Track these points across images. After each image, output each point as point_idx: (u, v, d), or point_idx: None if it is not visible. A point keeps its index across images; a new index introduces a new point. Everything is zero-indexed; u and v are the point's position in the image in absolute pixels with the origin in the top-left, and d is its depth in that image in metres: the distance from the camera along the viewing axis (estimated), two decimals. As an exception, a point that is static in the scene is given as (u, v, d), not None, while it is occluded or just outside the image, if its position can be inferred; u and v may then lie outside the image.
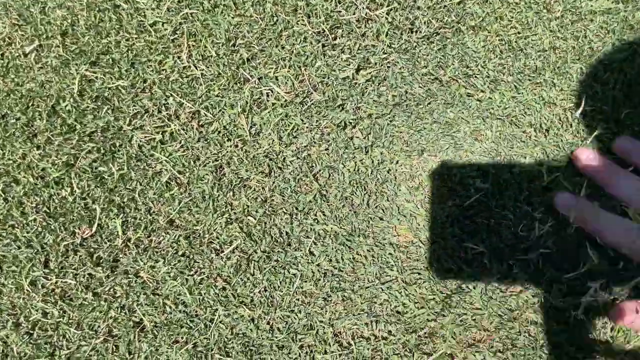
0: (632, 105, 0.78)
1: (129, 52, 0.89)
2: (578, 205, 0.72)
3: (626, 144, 0.73)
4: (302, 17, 0.86)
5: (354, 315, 0.78)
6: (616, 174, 0.71)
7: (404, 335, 0.76)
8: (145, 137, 0.85)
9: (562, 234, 0.76)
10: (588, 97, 0.79)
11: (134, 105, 0.87)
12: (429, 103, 0.83)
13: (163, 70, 0.88)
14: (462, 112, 0.82)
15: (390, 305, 0.78)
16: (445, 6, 0.84)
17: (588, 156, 0.73)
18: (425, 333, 0.76)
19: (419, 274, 0.78)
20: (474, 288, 0.76)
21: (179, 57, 0.87)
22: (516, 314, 0.75)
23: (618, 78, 0.79)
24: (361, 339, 0.78)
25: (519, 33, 0.83)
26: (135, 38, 0.90)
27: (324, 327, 0.78)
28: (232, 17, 0.87)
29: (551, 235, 0.76)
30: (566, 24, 0.82)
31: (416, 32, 0.84)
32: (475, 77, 0.83)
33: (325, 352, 0.77)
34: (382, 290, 0.78)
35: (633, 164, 0.72)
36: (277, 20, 0.86)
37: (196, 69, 0.86)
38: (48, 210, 0.84)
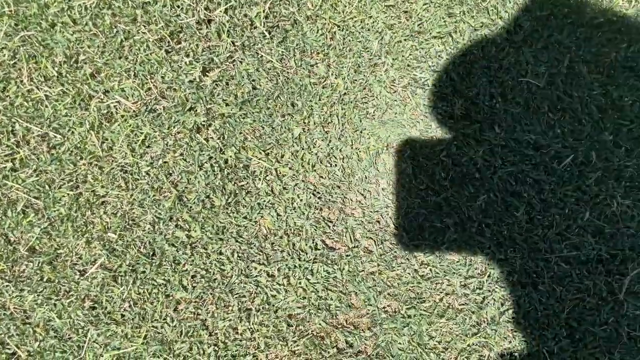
0: (468, 72, 0.82)
1: (-29, 81, 0.86)
2: None
3: None
4: (141, 25, 0.85)
5: (226, 313, 0.79)
6: None
7: (276, 325, 0.78)
8: (-4, 167, 0.83)
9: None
10: (425, 70, 0.82)
11: (-20, 136, 0.84)
12: (278, 96, 0.84)
13: (7, 97, 0.85)
14: (310, 101, 0.83)
15: (260, 297, 0.79)
16: (280, -1, 0.85)
17: None
18: (296, 319, 0.79)
19: (286, 264, 0.80)
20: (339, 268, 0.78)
21: (21, 82, 0.85)
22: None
23: (449, 50, 0.83)
24: (236, 335, 0.79)
25: (354, 17, 0.85)
26: (-25, 66, 0.87)
27: (198, 331, 0.79)
28: (72, 34, 0.85)
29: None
30: (398, 3, 0.84)
31: (256, 27, 0.85)
32: (318, 65, 0.84)
33: (203, 354, 0.78)
34: (251, 284, 0.80)
35: None
36: (116, 31, 0.85)
37: (39, 90, 0.84)
38: None
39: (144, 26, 0.85)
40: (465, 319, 0.79)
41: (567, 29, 0.84)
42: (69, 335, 0.80)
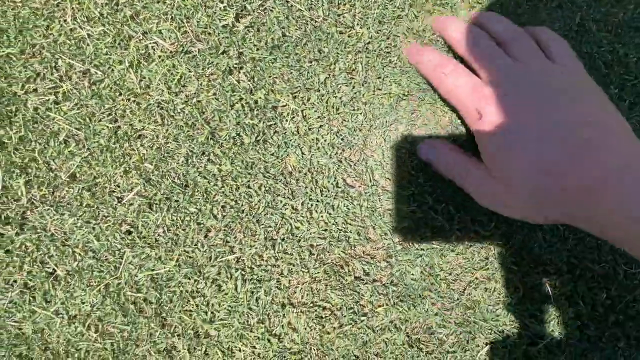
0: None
1: (16, 20, 0.92)
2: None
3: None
4: (179, -29, 0.90)
5: (253, 241, 0.86)
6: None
7: (299, 253, 0.84)
8: (40, 99, 0.89)
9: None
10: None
11: (25, 71, 0.90)
12: (305, 43, 0.89)
13: (50, 34, 0.91)
14: (336, 49, 0.89)
15: (284, 228, 0.86)
16: (308, -50, 0.90)
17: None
18: (317, 249, 0.85)
19: (309, 198, 0.86)
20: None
21: (64, 20, 0.91)
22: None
23: (470, 4, 0.88)
24: (262, 261, 0.86)
25: (380, -29, 0.90)
26: (20, 6, 0.92)
27: (226, 256, 0.85)
28: (113, -23, 0.90)
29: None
30: (420, -41, 0.90)
31: (287, -23, 0.90)
32: (344, 15, 0.90)
33: (231, 277, 0.85)
34: (277, 216, 0.86)
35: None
36: (156, -24, 0.90)
37: (82, 29, 0.90)
38: (-51, 178, 0.87)
39: (182, -27, 0.90)
40: (474, 253, 0.85)
41: (580, -11, 0.89)
42: (105, 256, 0.86)
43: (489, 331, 0.84)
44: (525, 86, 0.67)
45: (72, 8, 0.89)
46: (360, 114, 0.87)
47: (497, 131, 0.66)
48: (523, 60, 0.71)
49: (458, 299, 0.84)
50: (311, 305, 0.85)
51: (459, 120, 0.86)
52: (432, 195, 0.85)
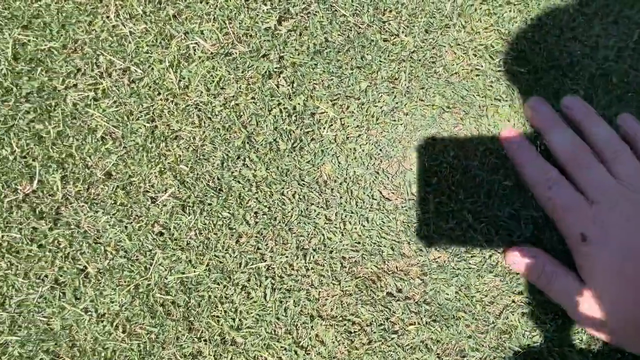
0: (539, 41, 0.84)
1: (59, 14, 0.92)
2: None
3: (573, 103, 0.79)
4: (223, -28, 0.89)
5: (284, 250, 0.84)
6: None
7: (330, 265, 0.82)
8: (79, 95, 0.89)
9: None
10: (497, 39, 0.85)
11: (66, 66, 0.90)
12: (348, 50, 0.87)
13: (93, 30, 0.91)
14: (379, 56, 0.87)
15: (317, 238, 0.84)
16: (357, -45, 0.88)
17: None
18: (349, 261, 0.83)
19: (344, 209, 0.84)
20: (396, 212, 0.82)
21: (107, 17, 0.90)
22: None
23: (522, 17, 0.85)
24: (292, 270, 0.84)
25: (429, -21, 0.87)
26: (64, 1, 0.92)
27: (257, 263, 0.84)
28: (157, -25, 0.90)
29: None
30: (472, -32, 0.87)
31: (333, -18, 0.88)
32: (390, 22, 0.87)
33: (260, 285, 0.84)
34: (310, 225, 0.84)
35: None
36: (200, -24, 0.89)
37: (124, 27, 0.89)
38: (-11, 170, 0.87)
39: (226, -27, 0.89)
40: (513, 277, 0.82)
41: (637, 5, 0.85)
42: (136, 256, 0.86)
43: (524, 358, 0.80)
44: (630, 209, 0.64)
45: (116, 4, 0.89)
46: (401, 124, 0.85)
47: (604, 257, 0.64)
48: (626, 181, 0.68)
49: (493, 323, 0.81)
50: (340, 319, 0.83)
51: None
52: (471, 214, 0.82)
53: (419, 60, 0.86)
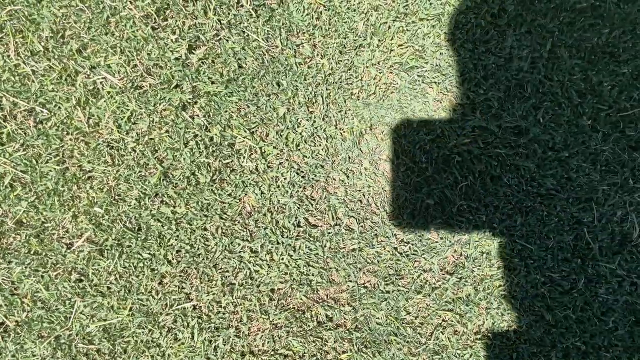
0: (453, 55, 0.83)
1: (-43, 55, 0.86)
2: None
3: None
4: (127, 1, 0.85)
5: (210, 287, 0.82)
6: None
7: (259, 299, 0.80)
8: (-18, 140, 0.84)
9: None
10: (411, 55, 0.83)
11: (-33, 110, 0.85)
12: (263, 75, 0.85)
13: (-7, 70, 0.85)
14: (295, 81, 0.84)
15: (243, 272, 0.81)
16: (263, -23, 0.85)
17: None
18: (278, 294, 0.81)
19: (269, 240, 0.82)
20: (322, 247, 0.81)
21: (7, 56, 0.86)
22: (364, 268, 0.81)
23: (435, 31, 0.84)
24: (219, 308, 0.81)
25: (340, -3, 0.85)
26: (-39, 40, 0.87)
27: (182, 303, 0.81)
28: (58, 9, 0.85)
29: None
30: (382, -16, 0.85)
31: (242, 6, 0.85)
32: (303, 45, 0.85)
33: (187, 326, 0.81)
34: (235, 260, 0.82)
35: None
36: (103, 7, 0.85)
37: (26, 65, 0.85)
38: None
39: (131, 2, 0.85)
40: (442, 295, 0.81)
41: (550, 13, 0.85)
42: (56, 306, 0.82)
43: (458, 376, 0.80)
44: None
45: (15, 42, 0.84)
46: (322, 149, 0.83)
47: None
48: None
49: (425, 344, 0.80)
50: (272, 353, 0.81)
51: (423, 155, 0.82)
52: (396, 236, 0.81)
53: (335, 83, 0.84)
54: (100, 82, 0.85)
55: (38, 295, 0.82)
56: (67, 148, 0.84)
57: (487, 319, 0.79)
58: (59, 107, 0.85)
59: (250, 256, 0.82)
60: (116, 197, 0.83)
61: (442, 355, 0.80)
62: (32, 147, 0.84)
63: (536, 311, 0.80)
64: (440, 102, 0.83)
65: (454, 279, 0.80)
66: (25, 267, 0.82)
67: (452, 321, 0.81)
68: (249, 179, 0.83)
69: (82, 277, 0.82)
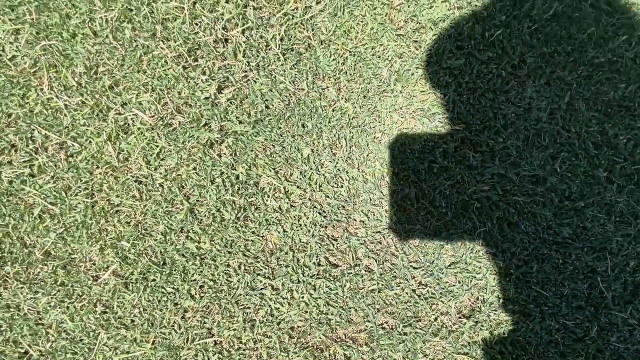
0: (474, 104, 0.86)
1: (-9, 86, 0.89)
2: None
3: None
4: (160, 41, 0.88)
5: (231, 323, 0.84)
6: None
7: (279, 336, 0.82)
8: (14, 172, 0.86)
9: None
10: (433, 102, 0.86)
11: (0, 142, 0.87)
12: (289, 117, 0.87)
13: (26, 103, 0.88)
14: (320, 123, 0.87)
15: (264, 309, 0.83)
16: (296, 22, 0.88)
17: None
18: (298, 332, 0.83)
19: (290, 278, 0.84)
20: (342, 287, 0.83)
21: (41, 90, 0.88)
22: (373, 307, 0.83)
23: (457, 80, 0.86)
24: (240, 344, 0.83)
25: (366, 44, 0.88)
26: (-4, 72, 0.89)
27: (204, 339, 0.83)
28: (92, 45, 0.88)
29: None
30: (408, 33, 0.88)
31: (271, 49, 0.88)
32: (329, 88, 0.88)
33: (207, 360, 0.82)
34: (256, 296, 0.84)
35: None
36: (136, 45, 0.88)
37: (59, 99, 0.87)
38: None
39: (163, 42, 0.88)
40: (458, 338, 0.83)
41: (569, 66, 0.88)
42: (80, 337, 0.84)
43: (472, 419, 0.82)
44: None
45: (49, 76, 0.87)
46: (344, 190, 0.85)
47: None
48: None
49: (441, 386, 0.82)
50: (290, 390, 0.82)
51: (443, 200, 0.84)
52: (415, 279, 0.83)
53: (359, 126, 0.87)
54: (131, 119, 0.87)
55: (63, 326, 0.83)
56: (96, 182, 0.86)
57: (501, 364, 0.81)
58: (90, 142, 0.87)
59: (271, 293, 0.84)
60: (143, 231, 0.85)
61: (457, 398, 0.82)
62: (62, 179, 0.86)
63: (550, 357, 0.82)
64: (461, 149, 0.85)
65: (471, 323, 0.82)
66: (52, 298, 0.84)
67: (467, 364, 0.82)
68: (272, 217, 0.86)
69: (107, 310, 0.84)
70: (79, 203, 0.85)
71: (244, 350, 0.83)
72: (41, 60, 0.89)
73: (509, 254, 0.84)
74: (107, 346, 0.82)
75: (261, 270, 0.85)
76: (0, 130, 0.88)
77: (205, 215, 0.85)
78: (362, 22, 0.89)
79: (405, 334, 0.83)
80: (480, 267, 0.83)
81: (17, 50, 0.89)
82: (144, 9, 0.87)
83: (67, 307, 0.83)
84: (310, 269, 0.85)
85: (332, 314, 0.84)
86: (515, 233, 0.84)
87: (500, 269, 0.83)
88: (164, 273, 0.84)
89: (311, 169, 0.86)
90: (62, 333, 0.83)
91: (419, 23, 0.89)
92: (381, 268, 0.84)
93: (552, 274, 0.83)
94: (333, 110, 0.88)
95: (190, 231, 0.85)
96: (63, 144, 0.87)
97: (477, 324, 0.82)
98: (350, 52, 0.88)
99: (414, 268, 0.84)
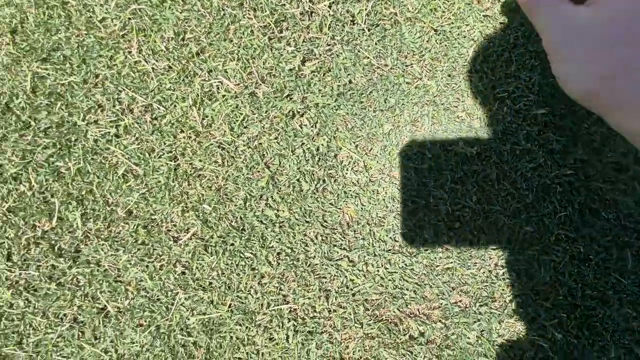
0: (559, 89, 0.85)
1: (80, 48, 0.91)
2: None
3: None
4: (248, 11, 0.89)
5: (307, 291, 0.84)
6: None
7: (353, 308, 0.83)
8: (100, 131, 0.88)
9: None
10: (518, 84, 0.86)
11: (87, 101, 0.89)
12: (371, 92, 0.88)
13: (114, 65, 0.90)
14: (402, 99, 0.87)
15: (339, 280, 0.84)
16: (383, -1, 0.89)
17: None
18: (372, 304, 0.84)
19: (366, 252, 0.85)
20: (416, 262, 0.83)
21: (129, 52, 0.90)
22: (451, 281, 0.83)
23: (542, 65, 0.86)
24: (314, 312, 0.84)
25: (452, 23, 0.88)
26: (85, 34, 0.91)
27: (279, 305, 0.84)
28: (180, 12, 0.90)
29: (479, 215, 0.83)
30: (495, 14, 0.88)
31: (357, 24, 0.89)
32: (413, 66, 0.88)
33: (282, 327, 0.84)
34: (332, 267, 0.84)
35: None
36: (224, 14, 0.89)
37: (147, 63, 0.89)
38: (7, 206, 0.86)
39: (250, 12, 0.89)
40: (534, 320, 0.83)
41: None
42: (158, 296, 0.85)
43: (543, 402, 0.82)
44: None
45: (138, 40, 0.88)
46: (426, 168, 0.85)
47: None
48: None
49: (514, 367, 0.82)
50: (363, 361, 0.83)
51: (524, 182, 0.84)
52: (492, 260, 0.83)
53: (442, 104, 0.87)
54: (217, 86, 0.89)
55: (142, 284, 0.85)
56: (180, 145, 0.87)
57: (577, 348, 0.80)
58: (175, 106, 0.89)
59: (347, 265, 0.85)
60: (224, 196, 0.86)
61: (530, 380, 0.82)
62: (147, 141, 0.88)
63: (626, 344, 0.81)
64: (544, 133, 0.85)
65: (547, 305, 0.82)
66: (132, 256, 0.85)
67: (543, 347, 0.82)
68: (350, 190, 0.86)
69: (186, 270, 0.85)
70: (162, 165, 0.87)
71: (318, 319, 0.84)
72: (130, 23, 0.91)
73: (588, 239, 0.83)
74: (184, 306, 0.83)
75: (337, 241, 0.85)
76: (88, 90, 0.90)
77: (284, 185, 0.86)
78: (448, 1, 0.89)
79: (480, 313, 0.83)
80: (559, 251, 0.83)
81: (107, 13, 0.91)
82: (241, -24, 0.88)
83: (147, 266, 0.85)
84: (386, 244, 0.85)
85: (406, 289, 0.84)
86: (596, 219, 0.83)
87: (579, 254, 0.83)
88: (243, 238, 0.85)
89: (392, 144, 0.87)
90: (140, 291, 0.84)
91: (506, 6, 0.88)
92: (458, 247, 0.84)
93: (632, 262, 0.82)
94: (416, 88, 0.88)
95: (270, 199, 0.86)
96: (149, 107, 0.89)
97: (554, 307, 0.82)
98: (435, 30, 0.88)
99: (492, 249, 0.84)
